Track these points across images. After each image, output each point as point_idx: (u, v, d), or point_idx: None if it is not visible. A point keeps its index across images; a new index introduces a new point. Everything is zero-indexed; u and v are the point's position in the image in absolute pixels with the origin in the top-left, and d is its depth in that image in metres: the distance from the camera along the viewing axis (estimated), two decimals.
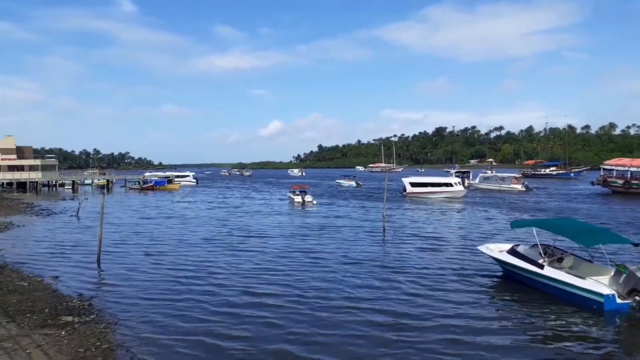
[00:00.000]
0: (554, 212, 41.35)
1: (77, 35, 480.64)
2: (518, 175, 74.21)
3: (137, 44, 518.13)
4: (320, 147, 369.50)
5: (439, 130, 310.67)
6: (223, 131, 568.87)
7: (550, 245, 16.31)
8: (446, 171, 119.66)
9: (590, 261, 15.42)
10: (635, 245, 14.62)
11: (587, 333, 11.94)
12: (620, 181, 58.29)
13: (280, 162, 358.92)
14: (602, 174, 62.29)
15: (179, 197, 64.62)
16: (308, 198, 48.97)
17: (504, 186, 66.58)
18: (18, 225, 33.34)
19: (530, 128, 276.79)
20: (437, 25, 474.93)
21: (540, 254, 15.97)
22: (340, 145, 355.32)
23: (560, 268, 14.81)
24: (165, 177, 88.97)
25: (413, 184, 57.32)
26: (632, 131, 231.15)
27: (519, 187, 65.03)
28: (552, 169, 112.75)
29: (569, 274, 14.13)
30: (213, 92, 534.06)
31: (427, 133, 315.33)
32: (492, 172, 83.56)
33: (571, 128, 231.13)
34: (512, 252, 16.46)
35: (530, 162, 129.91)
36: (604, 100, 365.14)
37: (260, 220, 36.68)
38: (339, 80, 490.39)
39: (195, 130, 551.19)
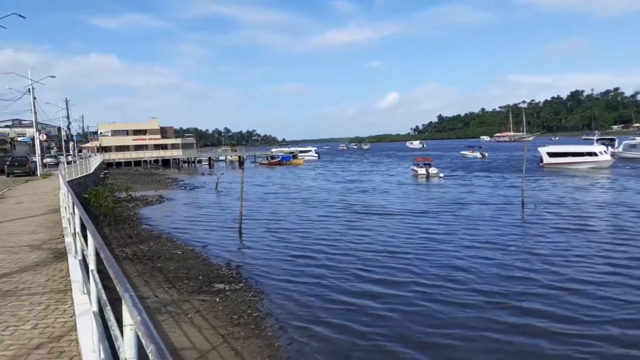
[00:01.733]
0: None
1: (203, 21, 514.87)
2: None
3: (257, 25, 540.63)
4: (440, 117, 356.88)
5: (575, 94, 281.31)
6: (340, 106, 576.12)
7: None
8: (585, 139, 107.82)
9: None
10: None
11: None
12: None
13: (398, 134, 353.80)
14: None
15: (303, 172, 66.70)
16: (433, 171, 47.31)
17: None
18: (167, 199, 36.80)
19: None
20: None
21: None
22: (462, 114, 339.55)
23: None
24: (291, 153, 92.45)
25: (551, 154, 52.33)
26: None
27: None
28: None
29: None
30: (330, 67, 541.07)
31: (561, 97, 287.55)
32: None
33: None
34: None
35: None
36: None
37: (383, 195, 36.25)
38: (458, 46, 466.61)
39: (314, 106, 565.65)
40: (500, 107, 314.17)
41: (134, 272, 14.70)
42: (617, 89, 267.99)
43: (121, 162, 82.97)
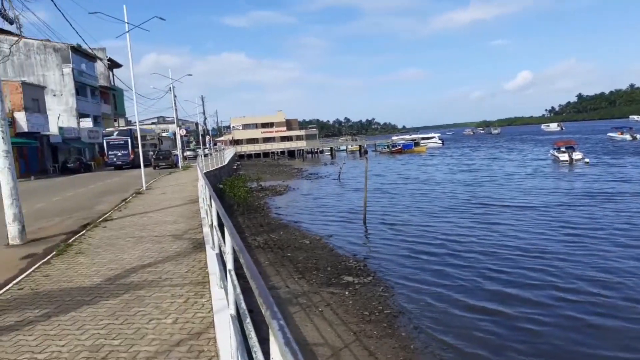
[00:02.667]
0: None
1: (324, 13, 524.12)
2: None
3: (377, 11, 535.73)
4: (579, 96, 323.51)
5: None
6: (464, 89, 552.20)
7: None
8: None
9: None
10: None
11: None
12: None
13: (531, 116, 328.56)
14: None
15: (427, 160, 64.58)
16: (577, 155, 42.50)
17: None
18: (293, 189, 37.87)
19: None
20: None
21: None
22: (606, 92, 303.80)
23: None
24: (412, 140, 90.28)
25: None
26: None
27: None
28: None
29: None
30: (452, 50, 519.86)
31: None
32: None
33: None
34: None
35: None
36: None
37: (517, 184, 33.39)
38: (597, 16, 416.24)
39: (435, 91, 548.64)
40: None
41: (265, 261, 15.03)
42: None
43: (251, 154, 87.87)
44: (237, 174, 45.20)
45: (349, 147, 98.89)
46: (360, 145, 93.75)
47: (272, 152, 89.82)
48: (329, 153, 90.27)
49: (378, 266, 14.66)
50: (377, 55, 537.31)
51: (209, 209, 8.89)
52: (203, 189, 12.71)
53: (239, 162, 69.04)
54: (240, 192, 26.55)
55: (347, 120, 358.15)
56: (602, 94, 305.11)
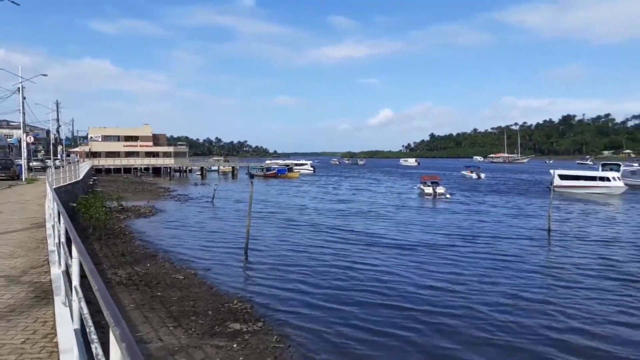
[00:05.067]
0: None
1: (201, 30, 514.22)
2: None
3: (255, 36, 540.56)
4: (432, 135, 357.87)
5: (567, 119, 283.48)
6: (333, 121, 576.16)
7: None
8: (580, 163, 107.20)
9: None
10: None
11: None
12: None
13: (390, 151, 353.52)
14: None
15: (300, 186, 64.54)
16: (440, 190, 45.43)
17: None
18: (161, 211, 34.37)
19: None
20: (567, 5, 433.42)
21: None
22: (454, 134, 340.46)
23: None
24: (286, 165, 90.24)
25: (563, 177, 50.57)
26: None
27: None
28: None
29: None
30: (325, 82, 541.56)
31: (553, 121, 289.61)
32: (639, 165, 72.03)
33: None
34: None
35: None
36: None
37: (391, 219, 34.25)
38: (454, 67, 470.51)
39: (306, 120, 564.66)
40: (492, 129, 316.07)
41: (130, 304, 12.37)
42: (608, 114, 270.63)
43: (111, 168, 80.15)
44: (93, 190, 40.03)
45: (221, 167, 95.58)
46: (233, 167, 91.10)
47: (135, 168, 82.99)
48: (199, 173, 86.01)
49: (266, 308, 12.91)
50: (252, 78, 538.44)
51: (60, 246, 6.56)
52: (53, 212, 9.97)
53: (95, 177, 62.13)
54: (99, 213, 22.88)
55: (219, 140, 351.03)
56: (450, 135, 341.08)
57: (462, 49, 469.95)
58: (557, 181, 49.72)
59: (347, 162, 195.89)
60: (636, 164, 76.01)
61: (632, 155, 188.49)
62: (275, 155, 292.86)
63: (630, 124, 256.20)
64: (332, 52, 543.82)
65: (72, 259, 4.58)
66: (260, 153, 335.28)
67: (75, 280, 4.49)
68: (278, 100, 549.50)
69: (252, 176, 66.90)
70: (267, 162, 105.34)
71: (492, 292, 14.62)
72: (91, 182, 48.58)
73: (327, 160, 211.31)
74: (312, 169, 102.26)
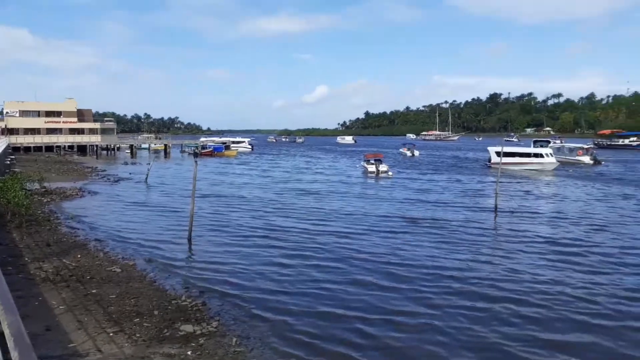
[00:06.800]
0: None
1: None
2: (586, 146, 66.21)
3: (187, 6, 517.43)
4: (367, 113, 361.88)
5: (493, 97, 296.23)
6: (268, 97, 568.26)
7: None
8: (507, 140, 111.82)
9: None
10: None
11: None
12: None
13: (326, 129, 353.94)
14: None
15: (240, 164, 62.52)
16: (383, 168, 45.37)
17: (570, 158, 59.61)
18: (89, 192, 31.57)
19: (592, 95, 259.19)
20: None
21: None
22: (388, 112, 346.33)
23: None
24: (223, 143, 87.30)
25: (499, 154, 51.98)
26: None
27: (585, 159, 58.45)
28: (632, 139, 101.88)
29: None
30: (260, 56, 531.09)
31: (481, 99, 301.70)
32: (560, 142, 76.48)
33: (638, 95, 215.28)
34: None
35: (606, 131, 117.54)
36: None
37: (339, 191, 33.57)
38: (387, 44, 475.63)
39: (241, 96, 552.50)
40: (423, 107, 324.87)
41: (60, 305, 10.64)
42: (530, 93, 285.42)
43: (30, 146, 73.64)
44: (10, 171, 36.14)
45: (152, 145, 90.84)
46: (166, 145, 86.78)
47: (59, 146, 76.90)
48: (129, 151, 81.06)
49: (221, 304, 11.59)
50: (184, 50, 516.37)
51: None
52: None
53: (13, 157, 56.67)
54: (18, 196, 20.24)
55: (148, 116, 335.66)
56: (384, 113, 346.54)
57: (394, 25, 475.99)
58: (495, 158, 51.37)
59: (284, 140, 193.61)
60: (558, 141, 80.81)
61: (552, 132, 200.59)
62: (209, 132, 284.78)
63: (550, 102, 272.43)
64: (267, 25, 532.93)
65: None
66: (193, 130, 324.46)
67: None
68: (211, 74, 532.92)
69: (196, 155, 63.45)
70: (202, 139, 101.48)
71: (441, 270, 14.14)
72: (8, 162, 44.05)
73: (263, 139, 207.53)
74: (250, 147, 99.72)
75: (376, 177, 43.78)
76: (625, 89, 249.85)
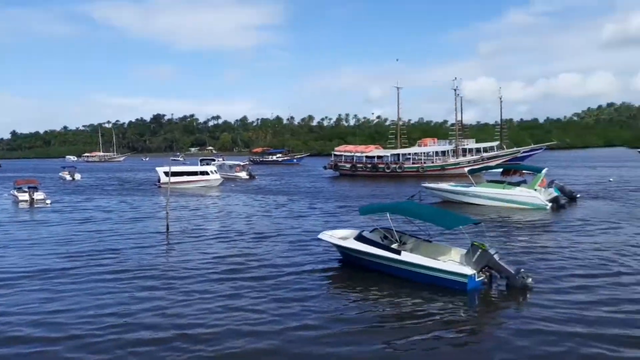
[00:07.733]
0: (305, 192, 44.75)
1: None
2: (242, 163, 75.54)
3: None
4: (13, 133, 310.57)
5: (157, 117, 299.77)
6: None
7: (390, 229, 16.52)
8: (173, 159, 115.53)
9: (429, 241, 16.29)
10: (476, 224, 16.11)
11: (454, 313, 12.47)
12: (348, 165, 67.03)
13: None
14: (332, 159, 70.18)
15: None
16: (39, 195, 39.39)
17: (230, 174, 66.86)
18: None
19: (245, 118, 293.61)
20: (154, 9, 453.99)
21: (382, 238, 16.09)
22: (42, 131, 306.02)
23: (408, 251, 15.14)
24: None
25: (167, 173, 52.55)
26: (325, 122, 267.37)
27: (242, 174, 66.73)
28: (278, 155, 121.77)
29: (424, 256, 14.50)
30: None
31: (145, 120, 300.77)
32: (222, 160, 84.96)
33: (279, 119, 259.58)
34: (361, 238, 16.09)
35: (259, 149, 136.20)
36: (303, 95, 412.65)
37: None
38: (37, 56, 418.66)
39: None
40: (84, 126, 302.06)
41: None
42: (192, 115, 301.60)
43: None
44: None
45: None
46: None
47: None
48: None
49: None
50: None
51: None
52: None
53: None
54: None
55: None
56: (37, 133, 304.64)
57: (41, 38, 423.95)
58: (163, 178, 51.80)
59: None
60: (221, 159, 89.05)
61: (214, 151, 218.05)
62: None
63: (210, 123, 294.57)
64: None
65: None
66: None
67: None
68: None
69: None
70: None
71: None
72: None
73: None
74: None
75: (31, 208, 37.68)
76: (270, 113, 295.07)
